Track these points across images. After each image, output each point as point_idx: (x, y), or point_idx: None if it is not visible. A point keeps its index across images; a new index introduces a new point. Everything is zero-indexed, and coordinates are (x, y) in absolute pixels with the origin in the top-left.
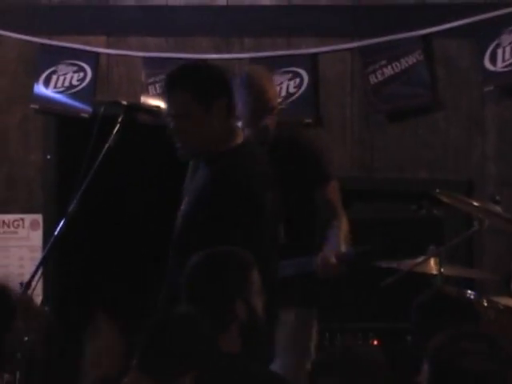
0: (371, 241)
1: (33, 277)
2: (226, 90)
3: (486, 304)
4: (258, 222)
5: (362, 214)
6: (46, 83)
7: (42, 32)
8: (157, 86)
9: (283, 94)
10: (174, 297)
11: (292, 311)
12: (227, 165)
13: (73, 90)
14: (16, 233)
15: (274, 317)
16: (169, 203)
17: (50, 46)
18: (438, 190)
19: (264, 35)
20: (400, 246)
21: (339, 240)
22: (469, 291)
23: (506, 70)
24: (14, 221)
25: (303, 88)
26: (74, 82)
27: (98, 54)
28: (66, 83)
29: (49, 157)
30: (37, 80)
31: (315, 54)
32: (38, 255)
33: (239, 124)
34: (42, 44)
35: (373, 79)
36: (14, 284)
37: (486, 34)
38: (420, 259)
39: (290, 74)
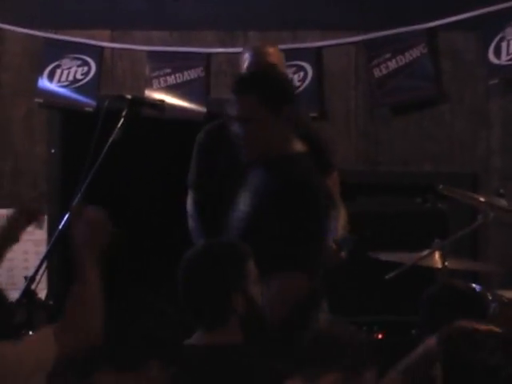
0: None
1: (37, 271)
2: (292, 97)
3: (490, 297)
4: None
5: (366, 207)
6: (51, 77)
7: (46, 26)
8: (161, 79)
9: None
10: None
11: None
12: (305, 168)
13: (77, 84)
14: None
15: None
16: (173, 196)
17: (55, 40)
18: (441, 186)
19: (268, 29)
20: (404, 238)
21: (338, 229)
22: (473, 284)
23: (510, 63)
24: None
25: (307, 81)
26: (79, 76)
27: (102, 48)
28: (71, 77)
29: (53, 151)
30: (41, 74)
31: (319, 48)
32: (43, 249)
33: None
34: (47, 38)
35: (377, 72)
36: (19, 277)
37: (490, 28)
38: (424, 253)
39: (295, 68)
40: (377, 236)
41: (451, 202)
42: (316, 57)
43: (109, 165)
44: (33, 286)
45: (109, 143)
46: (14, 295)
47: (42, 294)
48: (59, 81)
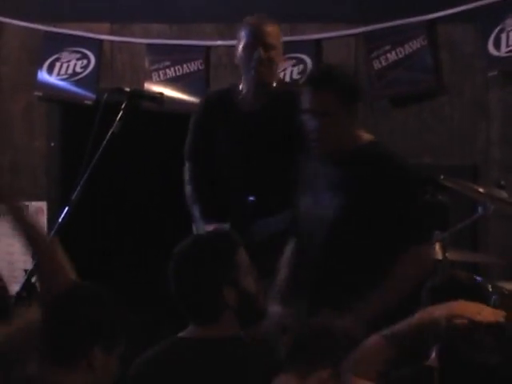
0: None
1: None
2: (362, 93)
3: (490, 289)
4: None
5: None
6: (50, 70)
7: (45, 19)
8: (160, 72)
9: (287, 80)
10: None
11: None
12: (385, 151)
13: (76, 77)
14: None
15: None
16: (171, 190)
17: (54, 33)
18: (442, 176)
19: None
20: None
21: None
22: (474, 276)
23: (509, 54)
24: None
25: (307, 74)
26: (78, 69)
27: (101, 41)
28: (70, 70)
29: (52, 144)
30: (40, 67)
31: (319, 40)
32: None
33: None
34: (46, 31)
35: (377, 65)
36: (19, 271)
37: (489, 19)
38: None
39: (294, 60)
40: None
41: (451, 194)
42: (315, 49)
43: (108, 158)
44: (33, 279)
45: (108, 136)
46: (14, 288)
47: None
48: (58, 74)
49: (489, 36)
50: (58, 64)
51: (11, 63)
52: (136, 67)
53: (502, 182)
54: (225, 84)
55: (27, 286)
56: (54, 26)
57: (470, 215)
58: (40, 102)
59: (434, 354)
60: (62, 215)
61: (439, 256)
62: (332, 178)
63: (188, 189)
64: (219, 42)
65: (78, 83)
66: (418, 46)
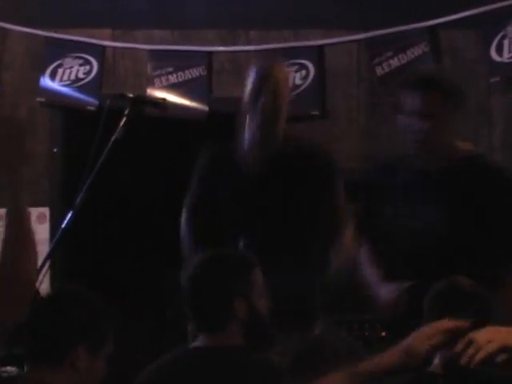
0: None
1: (40, 269)
2: (465, 100)
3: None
4: None
5: None
6: (52, 76)
7: (47, 25)
8: (163, 78)
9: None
10: None
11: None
12: (494, 165)
13: (79, 83)
14: None
15: None
16: (175, 195)
17: (56, 39)
18: None
19: (270, 27)
20: None
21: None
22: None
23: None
24: None
25: (309, 80)
26: (80, 75)
27: (103, 47)
28: (72, 76)
29: (55, 150)
30: (43, 73)
31: (321, 46)
32: (45, 248)
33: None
34: (48, 37)
35: (379, 71)
36: None
37: (491, 25)
38: None
39: (297, 66)
40: None
41: None
42: (318, 55)
43: (111, 164)
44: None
45: (111, 142)
46: None
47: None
48: (61, 80)
49: (491, 42)
50: (60, 70)
51: (14, 69)
52: (138, 73)
53: None
54: (227, 90)
55: None
56: (57, 32)
57: None
58: (43, 107)
59: (436, 360)
60: (65, 221)
61: None
62: (435, 190)
63: (183, 233)
64: (221, 48)
65: (80, 89)
66: (420, 52)
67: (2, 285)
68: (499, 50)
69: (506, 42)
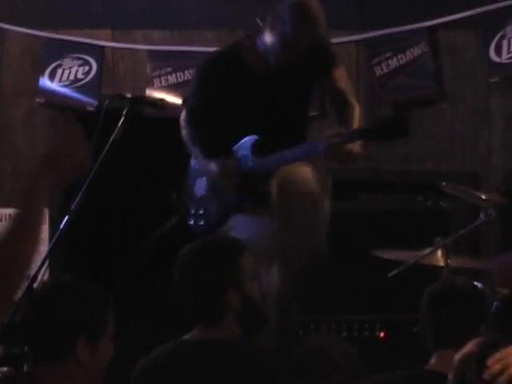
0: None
1: (39, 270)
2: None
3: (492, 295)
4: None
5: (368, 205)
6: (52, 77)
7: (47, 26)
8: (162, 79)
9: None
10: None
11: None
12: None
13: (78, 84)
14: None
15: None
16: (173, 196)
17: (55, 39)
18: (444, 183)
19: None
20: (405, 237)
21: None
22: (475, 282)
23: (511, 61)
24: None
25: None
26: (80, 76)
27: (103, 48)
28: (72, 77)
29: None
30: (42, 74)
31: None
32: (45, 248)
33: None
34: (47, 38)
35: (378, 71)
36: None
37: (490, 26)
38: (427, 251)
39: None
40: (378, 234)
41: (453, 200)
42: None
43: (110, 164)
44: (35, 285)
45: (110, 142)
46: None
47: None
48: (60, 80)
49: (490, 42)
50: (59, 70)
51: (13, 70)
52: (138, 73)
53: (504, 189)
54: None
55: (29, 291)
56: (56, 33)
57: (472, 221)
58: (42, 108)
59: (434, 359)
60: (64, 222)
61: (441, 262)
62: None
63: (185, 132)
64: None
65: (79, 90)
66: (420, 52)
67: None
68: (498, 51)
69: (504, 43)
